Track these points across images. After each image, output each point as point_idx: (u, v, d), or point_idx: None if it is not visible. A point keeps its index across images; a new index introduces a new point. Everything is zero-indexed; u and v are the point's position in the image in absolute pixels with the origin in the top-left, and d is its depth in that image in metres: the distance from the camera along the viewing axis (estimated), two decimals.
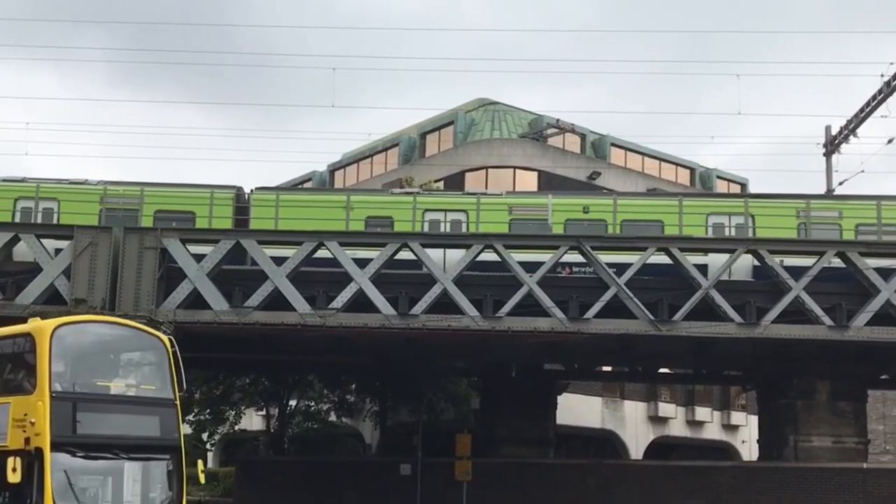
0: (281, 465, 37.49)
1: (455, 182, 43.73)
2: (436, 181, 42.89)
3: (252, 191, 28.41)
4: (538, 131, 45.86)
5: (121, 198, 27.53)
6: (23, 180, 27.94)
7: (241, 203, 27.92)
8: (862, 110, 31.49)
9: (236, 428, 40.95)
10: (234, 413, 40.24)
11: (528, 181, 43.80)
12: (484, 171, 44.68)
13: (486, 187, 39.80)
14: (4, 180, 27.99)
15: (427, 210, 27.32)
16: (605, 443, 44.51)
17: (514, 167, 44.47)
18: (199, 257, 25.03)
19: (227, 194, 28.02)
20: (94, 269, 24.71)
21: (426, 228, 26.94)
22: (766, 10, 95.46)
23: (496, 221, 26.93)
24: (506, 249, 25.01)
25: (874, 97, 30.70)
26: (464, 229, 27.02)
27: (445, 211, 27.53)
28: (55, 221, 27.07)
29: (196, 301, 25.19)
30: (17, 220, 27.05)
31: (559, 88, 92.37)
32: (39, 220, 27.06)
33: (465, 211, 27.47)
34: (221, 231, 26.31)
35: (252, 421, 43.15)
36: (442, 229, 27.15)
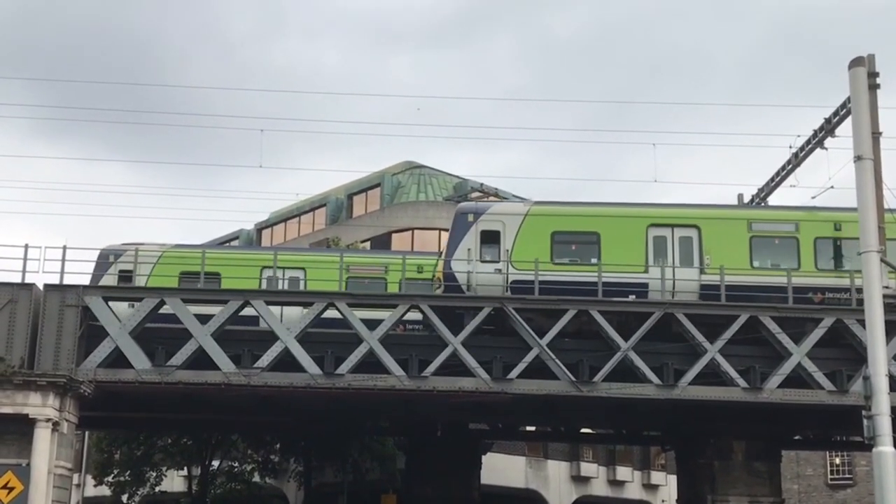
0: None
1: (381, 242, 44.15)
2: (362, 241, 43.25)
3: None
4: (463, 194, 46.66)
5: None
6: None
7: None
8: (772, 179, 32.72)
9: (157, 489, 40.10)
10: (155, 474, 39.45)
11: None
12: (410, 232, 45.22)
13: (412, 248, 40.28)
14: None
15: None
16: (529, 502, 44.68)
17: (440, 229, 45.12)
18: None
19: None
20: (13, 326, 24.34)
21: None
22: (683, 81, 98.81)
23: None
24: (431, 310, 25.38)
25: (783, 167, 31.96)
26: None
27: None
28: None
29: (118, 360, 24.94)
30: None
31: (484, 151, 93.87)
32: None
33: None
34: (145, 289, 26.21)
35: (173, 482, 42.33)
36: None
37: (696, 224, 26.88)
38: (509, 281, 26.22)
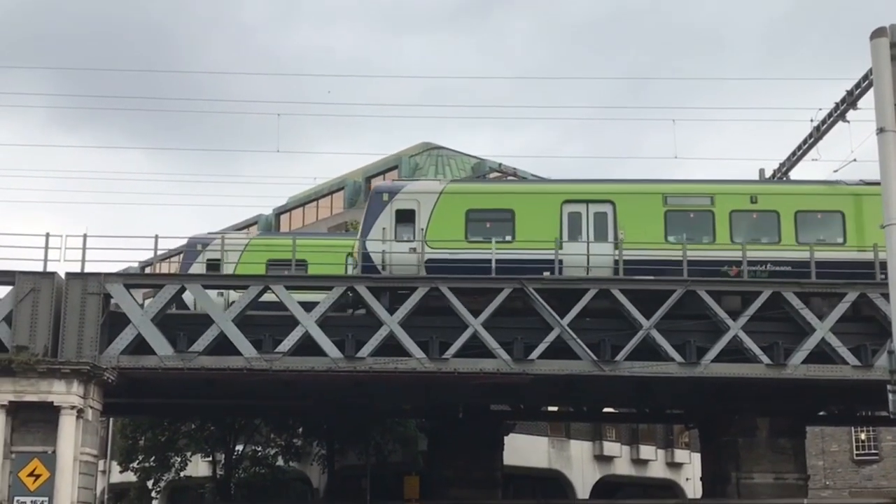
0: None
1: None
2: None
3: None
4: (481, 175, 46.45)
5: None
6: None
7: None
8: (794, 154, 32.39)
9: (182, 475, 40.39)
10: (179, 460, 39.72)
11: None
12: None
13: None
14: None
15: None
16: (552, 483, 44.66)
17: None
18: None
19: None
20: (35, 315, 24.45)
21: None
22: (702, 56, 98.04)
23: None
24: (451, 292, 25.31)
25: (805, 141, 31.63)
26: None
27: None
28: None
29: (140, 346, 25.05)
30: None
31: (503, 131, 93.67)
32: None
33: None
34: (165, 275, 26.32)
35: (198, 467, 42.60)
36: None
37: (611, 199, 26.75)
38: (424, 260, 26.12)
